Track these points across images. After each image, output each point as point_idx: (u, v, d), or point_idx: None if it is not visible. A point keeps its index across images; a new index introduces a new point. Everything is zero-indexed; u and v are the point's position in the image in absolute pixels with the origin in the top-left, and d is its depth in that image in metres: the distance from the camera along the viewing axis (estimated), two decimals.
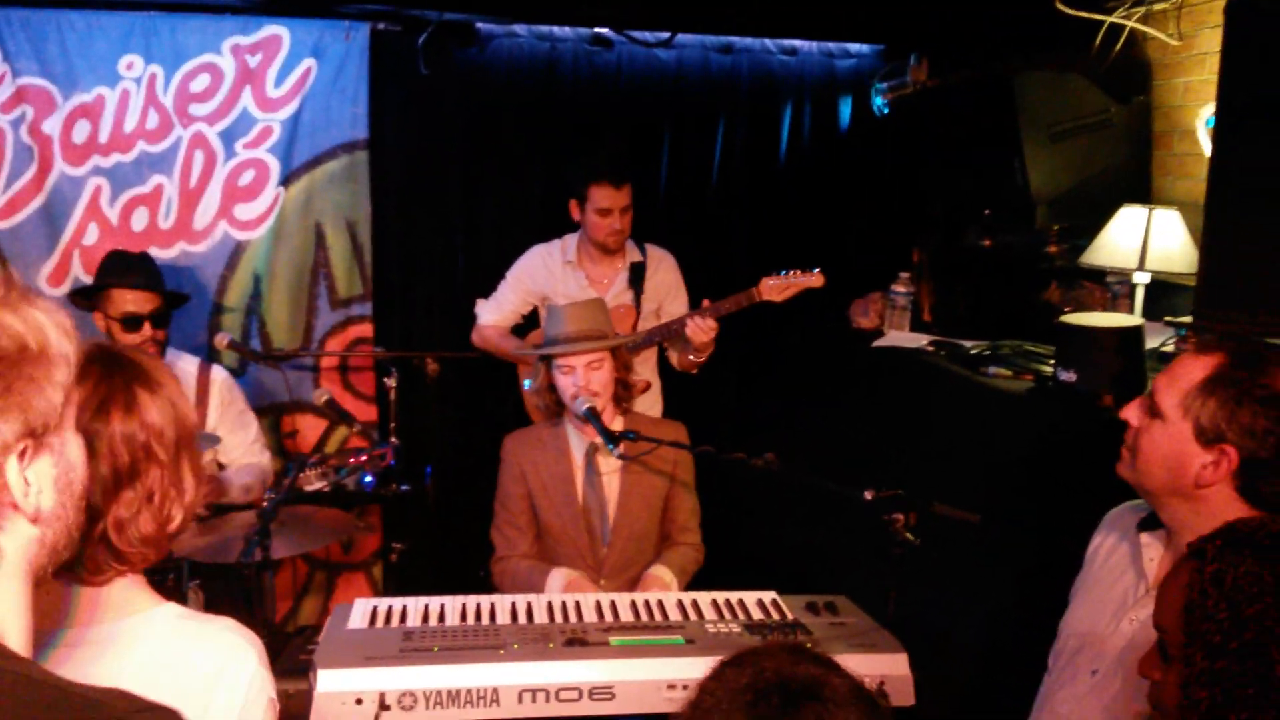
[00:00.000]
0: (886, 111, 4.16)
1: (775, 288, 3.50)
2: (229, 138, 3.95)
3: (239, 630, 1.38)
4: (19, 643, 0.91)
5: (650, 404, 3.75)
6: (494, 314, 3.81)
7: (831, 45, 4.45)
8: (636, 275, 3.74)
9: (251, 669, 1.34)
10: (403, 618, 2.25)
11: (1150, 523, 1.84)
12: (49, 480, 0.92)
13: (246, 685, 1.33)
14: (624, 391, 2.88)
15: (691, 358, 3.58)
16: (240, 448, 3.41)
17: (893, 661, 2.15)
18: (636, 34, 4.26)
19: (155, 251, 3.89)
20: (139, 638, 1.32)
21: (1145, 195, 3.47)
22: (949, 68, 3.93)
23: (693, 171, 4.43)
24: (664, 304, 3.77)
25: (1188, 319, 2.82)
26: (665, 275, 3.79)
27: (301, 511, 2.85)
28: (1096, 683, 1.81)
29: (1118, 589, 1.86)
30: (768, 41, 4.40)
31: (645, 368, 3.79)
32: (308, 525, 2.79)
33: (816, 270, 3.50)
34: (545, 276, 3.75)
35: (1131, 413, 1.79)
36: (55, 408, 0.91)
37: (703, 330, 3.45)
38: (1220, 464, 1.63)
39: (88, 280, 3.69)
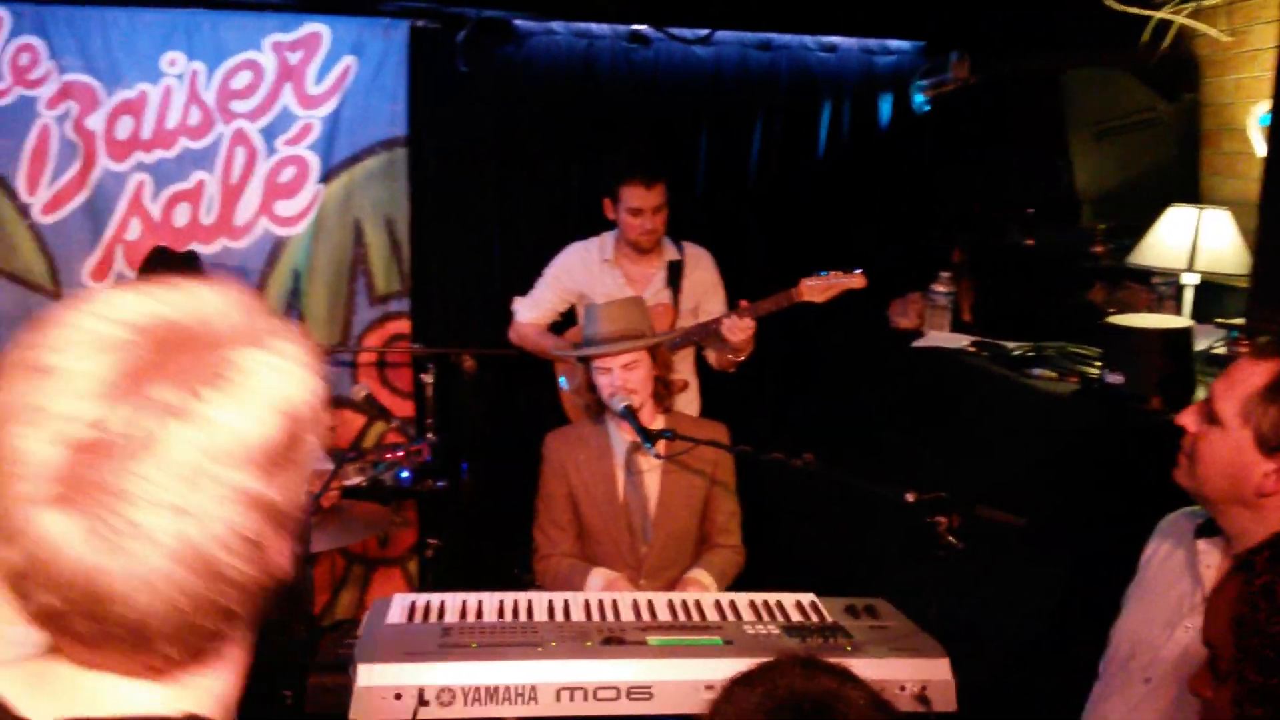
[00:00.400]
0: (927, 109, 4.11)
1: (815, 288, 3.44)
2: (270, 134, 3.99)
3: None
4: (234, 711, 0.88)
5: (688, 403, 3.73)
6: (532, 311, 3.80)
7: (871, 42, 4.40)
8: (674, 274, 3.72)
9: None
10: (441, 614, 2.25)
11: (1208, 529, 1.80)
12: (284, 545, 0.85)
13: None
14: (664, 390, 2.87)
15: (730, 357, 3.56)
16: None
17: (934, 666, 2.12)
18: (674, 31, 4.24)
19: (197, 247, 3.95)
20: None
21: (1193, 195, 3.40)
22: (991, 64, 3.87)
23: (730, 169, 4.40)
24: (701, 303, 3.75)
25: (1239, 320, 2.76)
26: (703, 274, 3.76)
27: (339, 505, 2.86)
28: (1149, 691, 1.77)
29: (1172, 596, 1.82)
30: (806, 38, 4.37)
31: (684, 366, 3.77)
32: (345, 519, 2.81)
33: (858, 271, 3.45)
34: (583, 274, 3.74)
35: (1188, 419, 1.75)
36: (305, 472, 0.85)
37: (739, 330, 3.41)
38: None
39: (130, 275, 3.73)
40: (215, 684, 0.85)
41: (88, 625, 0.75)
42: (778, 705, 1.05)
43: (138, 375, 0.74)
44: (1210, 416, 1.69)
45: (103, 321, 0.77)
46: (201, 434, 0.74)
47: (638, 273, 3.73)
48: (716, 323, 3.53)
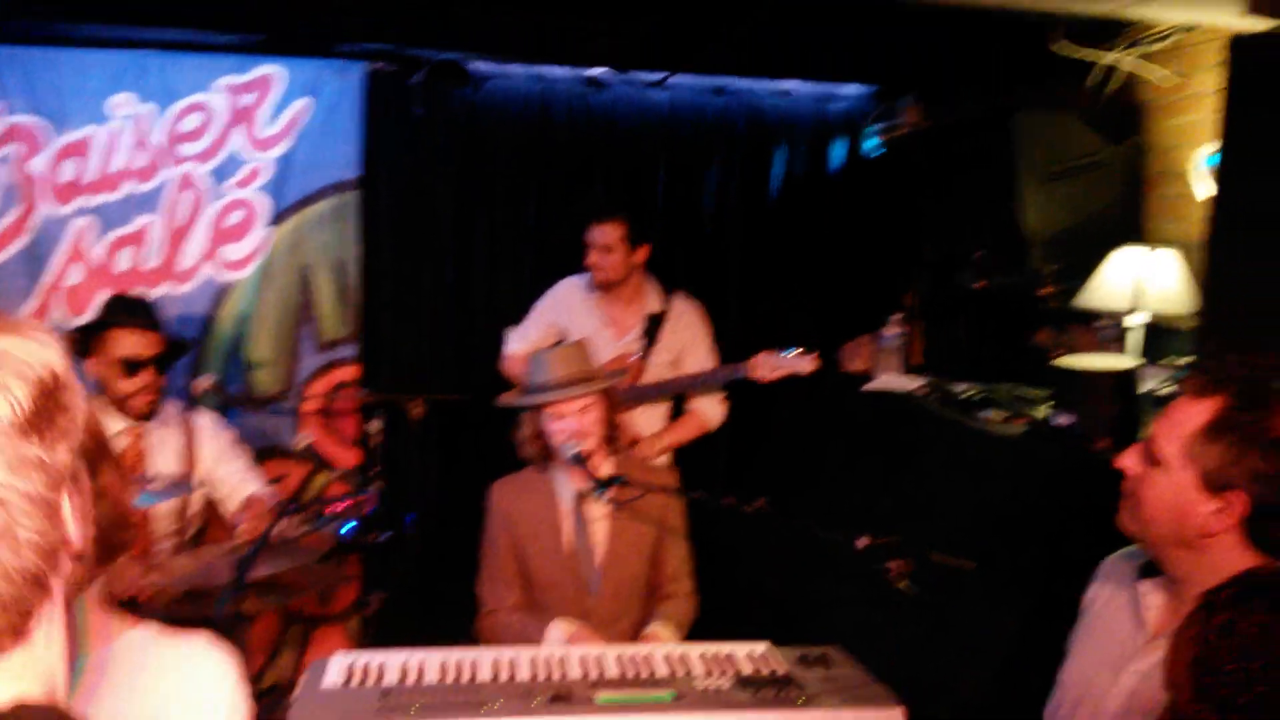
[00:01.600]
0: (880, 153, 4.15)
1: (766, 365, 3.50)
2: (218, 177, 3.93)
3: (216, 648, 1.33)
4: (63, 691, 0.89)
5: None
6: (519, 343, 3.79)
7: (824, 87, 4.45)
8: (652, 325, 3.73)
9: (230, 685, 1.30)
10: (380, 676, 2.17)
11: (1149, 569, 1.77)
12: (79, 512, 0.89)
13: (229, 708, 1.28)
14: (613, 433, 2.82)
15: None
16: (238, 476, 3.26)
17: (888, 716, 2.07)
18: (630, 75, 4.26)
19: (140, 292, 3.84)
20: (120, 663, 1.27)
21: (1139, 236, 3.45)
22: (942, 109, 3.92)
23: (686, 212, 4.41)
24: (682, 356, 3.75)
25: (1188, 359, 2.78)
26: (685, 327, 3.77)
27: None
28: None
29: (1115, 640, 1.79)
30: (761, 83, 4.41)
31: (654, 415, 3.76)
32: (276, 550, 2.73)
33: (812, 354, 3.50)
34: (566, 309, 3.76)
35: (1129, 461, 1.72)
36: (79, 434, 0.88)
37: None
38: (1226, 512, 1.57)
39: (72, 322, 3.63)
40: (37, 662, 0.85)
41: None
42: None
43: None
44: (1151, 458, 1.67)
45: None
46: None
47: (618, 316, 3.74)
48: (673, 384, 3.60)
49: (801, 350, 3.49)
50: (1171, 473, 1.62)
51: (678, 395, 3.78)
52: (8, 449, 0.79)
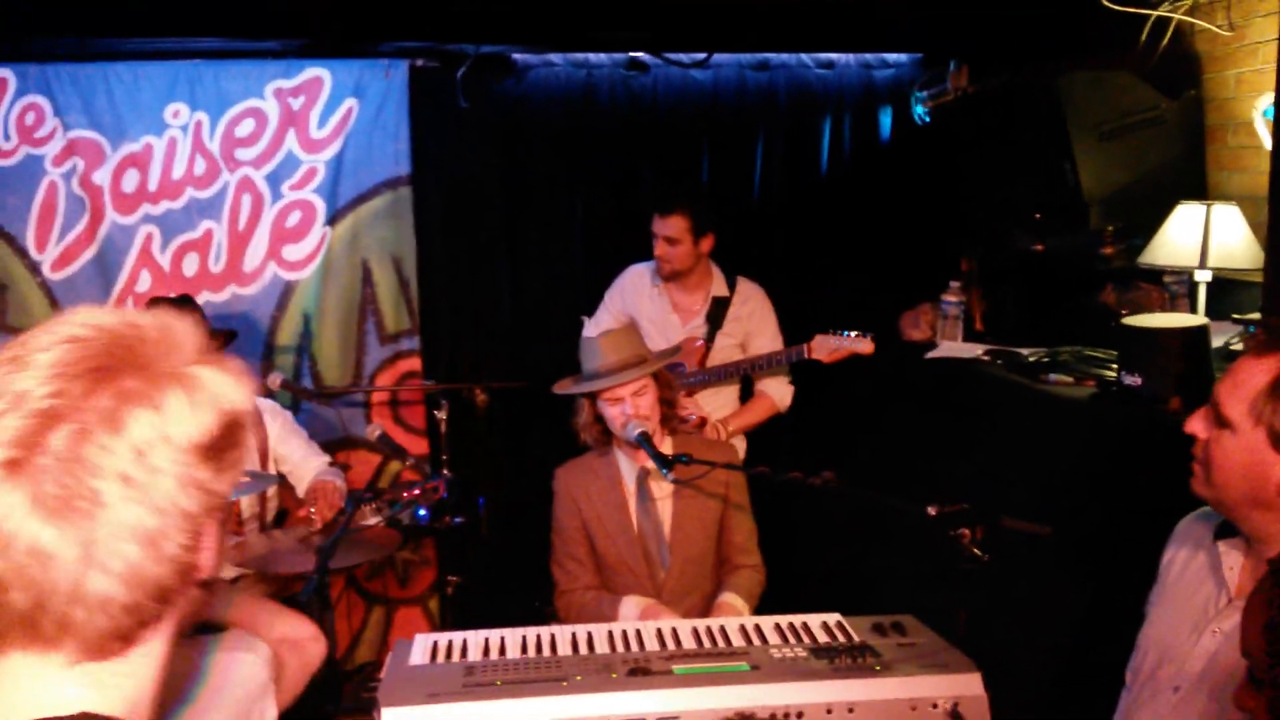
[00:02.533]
0: (928, 120, 4.11)
1: (826, 347, 3.54)
2: (275, 180, 4.02)
3: (252, 646, 1.37)
4: (147, 714, 0.90)
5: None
6: (593, 330, 3.84)
7: (869, 56, 4.41)
8: (717, 309, 3.75)
9: (264, 679, 1.34)
10: (464, 652, 2.23)
11: (1226, 530, 1.76)
12: (213, 542, 0.92)
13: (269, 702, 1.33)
14: (670, 412, 2.85)
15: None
16: (301, 451, 3.51)
17: (966, 681, 2.07)
18: (672, 56, 4.26)
19: (207, 295, 3.97)
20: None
21: (1201, 191, 3.38)
22: (990, 72, 3.87)
23: (733, 189, 4.41)
24: (749, 339, 3.77)
25: (1255, 315, 2.73)
26: (751, 311, 3.79)
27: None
28: (1179, 701, 1.73)
29: (1197, 601, 1.78)
30: (804, 56, 4.38)
31: (724, 397, 3.80)
32: (352, 541, 2.84)
33: (869, 335, 3.53)
34: (634, 295, 3.81)
35: (1197, 425, 1.70)
36: (240, 476, 0.93)
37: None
38: None
39: None
40: (126, 679, 0.87)
41: (20, 596, 0.79)
42: None
43: (102, 365, 0.82)
44: (1219, 420, 1.65)
45: (72, 325, 0.86)
46: (159, 417, 0.82)
47: (686, 302, 3.78)
48: (736, 366, 3.65)
49: (859, 333, 3.51)
50: (1241, 434, 1.61)
51: (745, 378, 3.80)
52: (183, 466, 0.83)
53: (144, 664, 0.88)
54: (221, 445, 0.87)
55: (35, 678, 0.83)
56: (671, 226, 3.57)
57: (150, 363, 0.85)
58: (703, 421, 3.67)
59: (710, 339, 3.74)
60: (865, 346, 3.51)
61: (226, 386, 0.89)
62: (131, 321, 0.88)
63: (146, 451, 0.81)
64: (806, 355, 3.56)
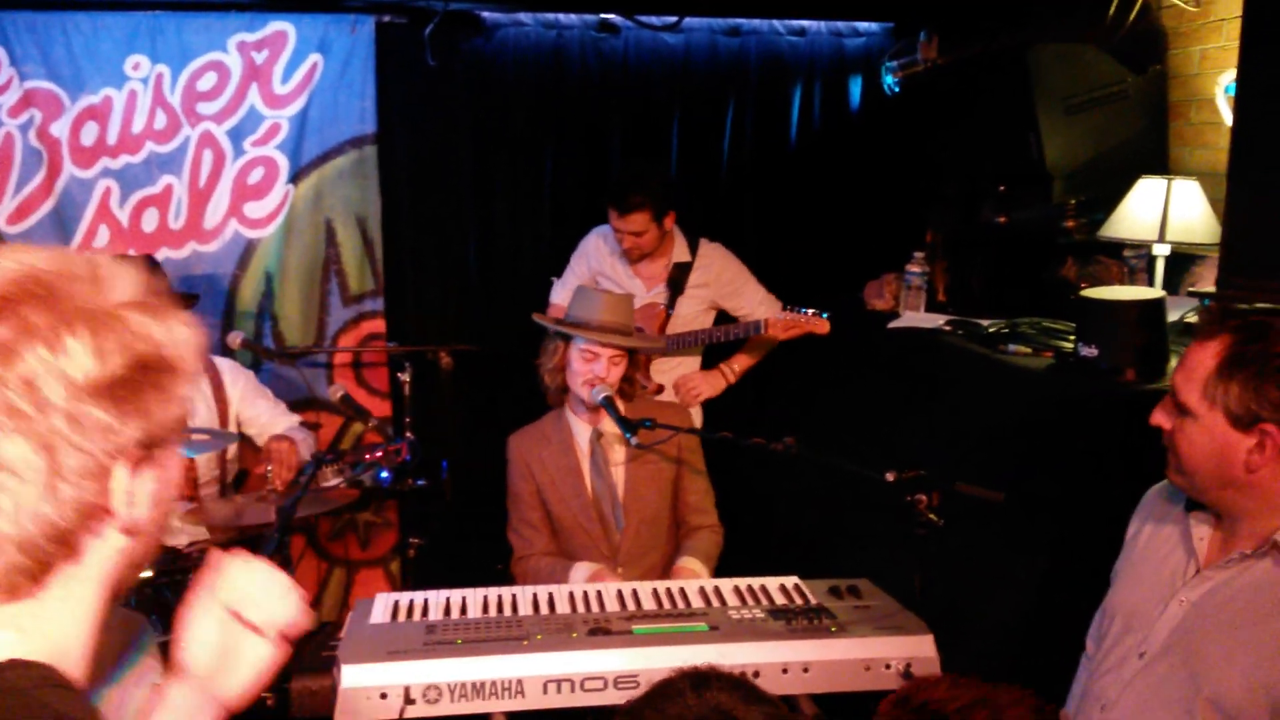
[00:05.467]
0: (898, 90, 4.11)
1: (781, 324, 3.56)
2: (237, 136, 3.95)
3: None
4: (77, 665, 0.88)
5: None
6: (561, 292, 3.83)
7: (840, 24, 4.40)
8: (678, 274, 3.74)
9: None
10: (425, 611, 2.24)
11: (1195, 502, 1.81)
12: (149, 494, 0.90)
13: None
14: (628, 388, 2.87)
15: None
16: (268, 413, 3.45)
17: (919, 643, 2.13)
18: (643, 18, 4.23)
19: (167, 252, 3.90)
20: None
21: (1162, 166, 3.42)
22: (960, 44, 3.87)
23: (702, 155, 4.39)
24: (727, 301, 3.77)
25: (1211, 289, 2.77)
26: (717, 274, 3.77)
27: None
28: (1144, 666, 1.78)
29: (1165, 570, 1.83)
30: (776, 23, 4.36)
31: (687, 366, 3.82)
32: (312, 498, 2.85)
33: (825, 315, 3.56)
34: (598, 257, 3.80)
35: (1160, 417, 1.76)
36: (174, 422, 0.90)
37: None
38: (1265, 444, 1.61)
39: None
40: (46, 624, 0.85)
41: None
42: None
43: (10, 297, 0.81)
44: (1180, 409, 1.70)
45: (6, 260, 0.85)
46: (55, 353, 0.80)
47: (646, 270, 3.77)
48: (680, 338, 3.66)
49: (815, 311, 3.54)
50: (1201, 419, 1.66)
51: (709, 348, 3.81)
52: (74, 404, 0.81)
53: (63, 610, 0.86)
54: (130, 386, 0.84)
55: None
56: (633, 223, 3.55)
57: (64, 300, 0.83)
58: (659, 389, 3.70)
59: (670, 305, 3.74)
60: (820, 326, 3.54)
61: (152, 329, 0.87)
62: (63, 260, 0.87)
63: (35, 384, 0.79)
64: (764, 330, 3.58)
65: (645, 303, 3.72)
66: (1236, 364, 1.62)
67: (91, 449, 0.82)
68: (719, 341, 3.70)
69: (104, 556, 0.89)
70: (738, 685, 1.04)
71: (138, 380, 0.85)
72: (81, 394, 0.81)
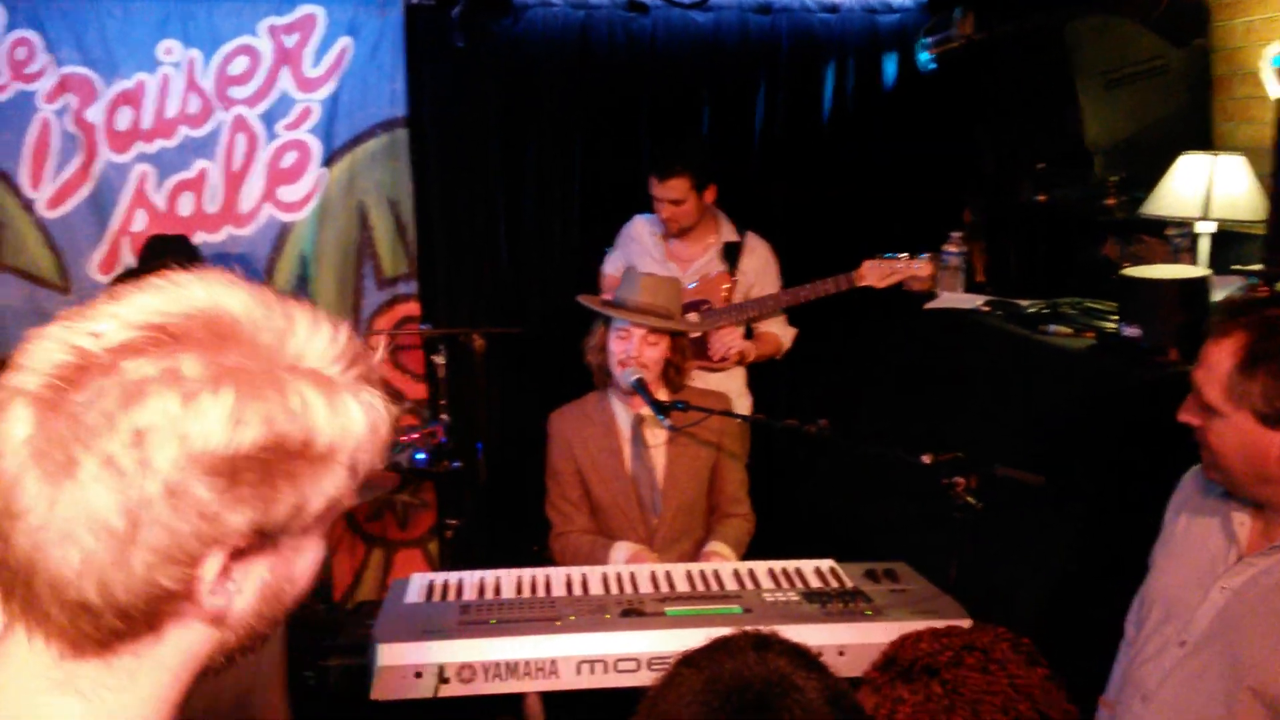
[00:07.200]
0: (933, 67, 4.05)
1: (876, 272, 3.44)
2: (269, 119, 3.96)
3: None
4: None
5: (734, 387, 3.72)
6: (611, 266, 3.83)
7: (873, 1, 4.34)
8: (731, 252, 3.71)
9: None
10: (459, 592, 2.25)
11: None
12: (256, 586, 0.78)
13: None
14: (673, 374, 2.85)
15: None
16: None
17: None
18: None
19: (203, 236, 3.93)
20: None
21: (1206, 142, 3.35)
22: (996, 19, 3.81)
23: (733, 136, 4.35)
24: (753, 291, 3.74)
25: (1258, 267, 2.72)
26: (757, 263, 3.74)
27: None
28: (1185, 655, 1.75)
29: (1204, 556, 1.79)
30: (807, 0, 4.30)
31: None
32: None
33: (925, 256, 3.44)
34: (635, 243, 3.78)
35: (1188, 415, 1.73)
36: (307, 513, 0.76)
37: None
38: None
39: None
40: (118, 699, 0.76)
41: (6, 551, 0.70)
42: (719, 692, 0.94)
43: (174, 335, 0.72)
44: (1205, 408, 1.67)
45: (192, 286, 0.76)
46: (181, 408, 0.69)
47: (683, 251, 3.74)
48: (762, 303, 3.59)
49: (909, 254, 3.44)
50: (1228, 417, 1.63)
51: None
52: (180, 474, 0.69)
53: (131, 686, 0.76)
54: (256, 468, 0.71)
55: (24, 664, 0.74)
56: (673, 189, 3.52)
57: (233, 350, 0.72)
58: (741, 356, 3.63)
59: (733, 273, 3.71)
60: (923, 268, 3.43)
61: (315, 409, 0.73)
62: (260, 306, 0.76)
63: (146, 439, 0.68)
64: (857, 284, 3.47)
65: (705, 275, 3.68)
66: (1257, 361, 1.58)
67: (181, 530, 0.70)
68: (805, 301, 3.59)
69: (188, 643, 0.77)
70: (799, 653, 1.02)
71: (268, 463, 0.72)
72: (194, 464, 0.69)
